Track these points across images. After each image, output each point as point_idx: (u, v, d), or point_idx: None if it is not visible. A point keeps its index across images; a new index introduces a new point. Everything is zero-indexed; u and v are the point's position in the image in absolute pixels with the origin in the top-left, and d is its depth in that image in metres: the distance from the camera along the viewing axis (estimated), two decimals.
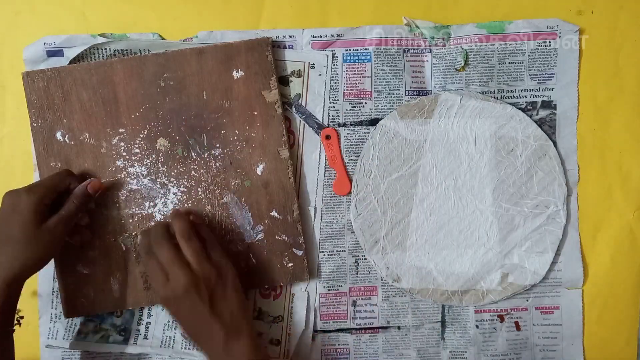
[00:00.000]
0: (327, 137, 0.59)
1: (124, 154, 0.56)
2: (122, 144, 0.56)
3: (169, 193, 0.57)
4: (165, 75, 0.56)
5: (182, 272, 0.49)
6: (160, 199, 0.57)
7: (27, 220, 0.48)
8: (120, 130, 0.56)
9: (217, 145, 0.57)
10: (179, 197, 0.57)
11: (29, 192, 0.49)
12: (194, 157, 0.57)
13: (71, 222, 0.52)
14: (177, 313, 0.50)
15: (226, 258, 0.53)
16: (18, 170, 0.58)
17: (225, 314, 0.50)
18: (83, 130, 0.56)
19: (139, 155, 0.57)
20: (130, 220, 0.57)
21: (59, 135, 0.56)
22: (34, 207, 0.49)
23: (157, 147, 0.57)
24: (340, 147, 0.59)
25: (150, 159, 0.57)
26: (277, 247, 0.58)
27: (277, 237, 0.58)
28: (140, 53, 0.57)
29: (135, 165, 0.57)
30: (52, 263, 0.57)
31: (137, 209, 0.57)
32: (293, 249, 0.58)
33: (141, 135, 0.57)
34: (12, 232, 0.48)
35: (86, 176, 0.55)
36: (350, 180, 0.59)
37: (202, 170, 0.57)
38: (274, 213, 0.58)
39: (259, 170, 0.57)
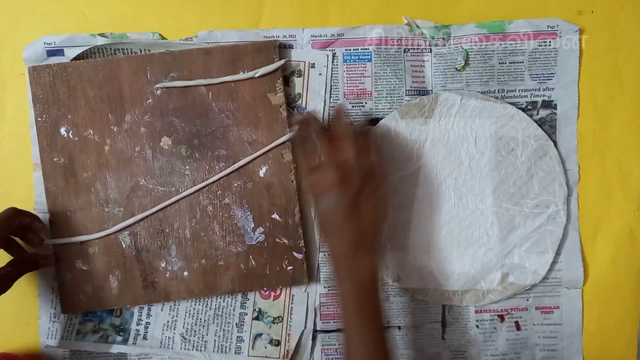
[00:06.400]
0: None
1: (127, 151, 0.56)
2: (126, 141, 0.56)
3: (171, 192, 0.57)
4: (171, 74, 0.56)
5: (334, 164, 0.49)
6: (163, 198, 0.57)
7: None
8: (125, 127, 0.56)
9: (221, 147, 0.57)
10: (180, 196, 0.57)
11: None
12: (197, 157, 0.57)
13: (12, 281, 0.51)
14: (319, 203, 0.51)
15: (382, 166, 0.53)
16: (18, 171, 0.58)
17: (363, 217, 0.49)
18: (87, 126, 0.56)
19: (142, 153, 0.57)
20: (131, 218, 0.57)
21: (63, 130, 0.56)
22: None
23: (161, 146, 0.57)
24: None
25: (154, 157, 0.57)
26: (277, 250, 0.58)
27: (277, 240, 0.58)
28: (141, 53, 0.57)
29: (138, 163, 0.57)
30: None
31: (138, 206, 0.57)
32: (293, 252, 0.58)
33: (145, 134, 0.56)
34: None
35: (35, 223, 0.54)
36: None
37: (204, 171, 0.57)
38: (275, 216, 0.57)
39: (261, 173, 0.57)
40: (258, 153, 0.56)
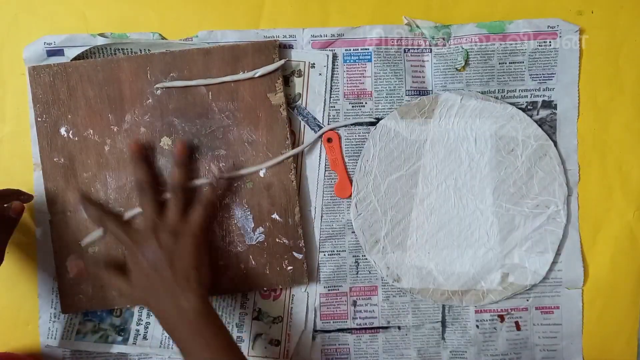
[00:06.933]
0: (329, 140, 0.59)
1: (128, 151, 0.56)
2: (126, 141, 0.56)
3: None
4: (171, 74, 0.56)
5: (149, 214, 0.53)
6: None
7: None
8: (125, 127, 0.56)
9: (221, 147, 0.57)
10: None
11: None
12: (197, 157, 0.57)
13: (3, 245, 0.52)
14: (136, 257, 0.52)
15: (204, 219, 0.54)
16: (18, 171, 0.58)
17: (178, 264, 0.51)
18: (87, 126, 0.56)
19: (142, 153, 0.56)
20: (132, 218, 0.57)
21: (63, 130, 0.56)
22: None
23: (161, 146, 0.57)
24: (342, 150, 0.59)
25: (154, 157, 0.57)
26: (277, 250, 0.58)
27: (277, 240, 0.58)
28: (141, 53, 0.57)
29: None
30: (52, 261, 0.57)
31: (138, 206, 0.57)
32: (293, 252, 0.58)
33: (145, 134, 0.56)
34: None
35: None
36: (351, 183, 0.59)
37: (204, 171, 0.57)
38: (275, 216, 0.57)
39: (261, 173, 0.57)
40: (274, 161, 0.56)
